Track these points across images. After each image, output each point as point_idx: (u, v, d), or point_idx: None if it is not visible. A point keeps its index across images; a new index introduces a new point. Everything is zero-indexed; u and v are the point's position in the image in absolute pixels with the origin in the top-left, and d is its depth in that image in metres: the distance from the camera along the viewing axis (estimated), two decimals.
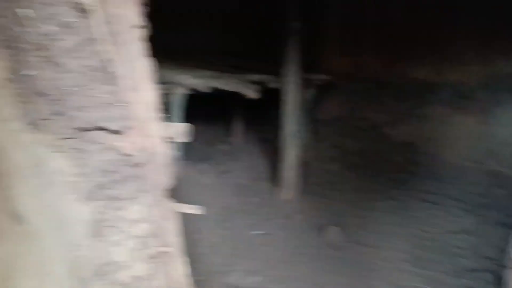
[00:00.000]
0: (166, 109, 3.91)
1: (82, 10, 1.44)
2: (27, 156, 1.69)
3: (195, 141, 6.41)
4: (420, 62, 6.51)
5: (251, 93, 4.49)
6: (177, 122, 2.01)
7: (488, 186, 5.40)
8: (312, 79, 5.96)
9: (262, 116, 7.14)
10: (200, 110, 6.46)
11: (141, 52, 1.61)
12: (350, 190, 5.35)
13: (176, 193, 1.89)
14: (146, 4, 1.67)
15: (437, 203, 4.93)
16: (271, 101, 5.87)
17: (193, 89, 4.25)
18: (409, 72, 6.71)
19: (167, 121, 1.80)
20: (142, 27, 1.63)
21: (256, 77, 4.86)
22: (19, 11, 1.48)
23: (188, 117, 4.68)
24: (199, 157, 5.60)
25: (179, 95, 4.21)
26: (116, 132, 1.58)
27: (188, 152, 5.78)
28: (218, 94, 5.48)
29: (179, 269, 1.83)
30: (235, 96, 5.97)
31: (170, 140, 1.77)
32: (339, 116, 7.35)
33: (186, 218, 3.83)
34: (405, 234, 4.26)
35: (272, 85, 5.06)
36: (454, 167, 6.04)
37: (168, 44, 6.06)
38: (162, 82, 4.19)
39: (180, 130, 1.73)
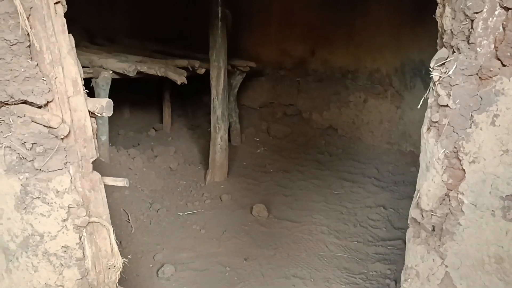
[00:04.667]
0: (92, 94, 3.88)
1: None
2: None
3: (125, 127, 6.35)
4: (340, 50, 6.87)
5: (179, 78, 4.54)
6: None
7: (402, 165, 5.85)
8: (239, 65, 6.10)
9: (192, 103, 7.21)
10: (130, 97, 6.42)
11: (62, 28, 1.66)
12: (276, 171, 5.58)
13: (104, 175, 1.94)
14: None
15: (356, 182, 5.28)
16: (201, 87, 5.96)
17: (119, 74, 4.24)
18: (330, 60, 7.05)
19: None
20: (63, 3, 1.68)
21: (184, 62, 4.92)
22: None
23: (119, 104, 4.66)
24: (129, 143, 5.59)
25: (105, 78, 4.18)
26: (38, 106, 1.62)
27: (117, 138, 5.75)
28: (147, 81, 5.48)
29: (106, 238, 1.91)
30: (165, 82, 6.00)
31: (93, 115, 1.83)
32: (266, 102, 7.58)
33: (114, 201, 3.85)
34: (327, 210, 4.53)
35: (200, 71, 5.14)
36: (372, 149, 6.47)
37: (93, 28, 5.95)
38: (88, 66, 4.15)
39: (101, 105, 1.79)
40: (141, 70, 4.33)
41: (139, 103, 6.66)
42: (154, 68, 4.49)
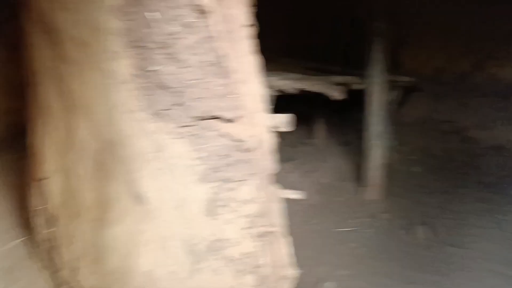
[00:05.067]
0: None
1: (202, 12, 1.64)
2: (150, 143, 1.93)
3: (279, 142, 6.57)
4: (509, 62, 6.23)
5: (336, 94, 4.57)
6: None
7: None
8: (396, 80, 5.91)
9: (345, 118, 7.17)
10: (283, 112, 6.64)
11: (250, 48, 1.79)
12: (436, 192, 5.22)
13: None
14: (253, 5, 1.85)
15: None
16: (353, 103, 5.91)
17: (280, 91, 4.41)
18: (496, 73, 6.43)
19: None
20: (251, 26, 1.81)
21: (340, 78, 4.93)
22: (147, 14, 1.71)
23: None
24: (284, 157, 5.75)
25: (270, 97, 4.38)
26: (229, 120, 1.76)
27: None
28: (301, 96, 5.62)
29: (283, 248, 1.97)
30: (319, 98, 6.08)
31: (275, 129, 1.92)
32: (423, 118, 7.19)
33: None
34: (496, 236, 4.11)
35: (356, 86, 5.11)
36: None
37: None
38: None
39: (283, 120, 1.88)
40: (301, 88, 4.46)
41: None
42: (312, 84, 4.59)
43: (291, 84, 4.32)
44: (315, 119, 6.48)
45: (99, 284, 2.38)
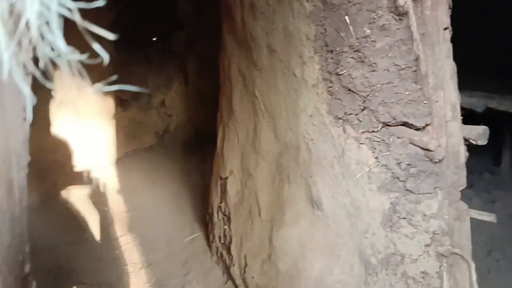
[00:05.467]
0: None
1: (399, 13, 1.59)
2: (333, 147, 1.93)
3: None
4: None
5: None
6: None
7: None
8: None
9: None
10: None
11: (447, 53, 1.67)
12: None
13: None
14: (451, 7, 1.74)
15: None
16: None
17: (464, 109, 4.05)
18: None
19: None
20: (450, 29, 1.69)
21: None
22: (346, 18, 1.72)
23: None
24: None
25: None
26: (417, 128, 1.66)
27: None
28: (485, 116, 5.08)
29: (466, 273, 1.78)
30: (507, 119, 5.44)
31: (466, 142, 1.76)
32: None
33: None
34: None
35: None
36: None
37: None
38: None
39: (476, 132, 1.71)
40: (490, 106, 4.04)
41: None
42: (500, 103, 4.13)
43: (478, 101, 3.95)
44: (501, 143, 5.80)
45: (267, 284, 2.45)
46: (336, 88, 1.83)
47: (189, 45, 5.65)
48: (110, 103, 4.76)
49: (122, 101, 4.96)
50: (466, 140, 1.74)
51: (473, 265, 1.77)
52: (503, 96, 4.24)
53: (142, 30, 4.97)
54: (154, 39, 5.28)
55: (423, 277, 1.74)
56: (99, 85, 0.71)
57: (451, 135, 1.70)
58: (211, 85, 3.88)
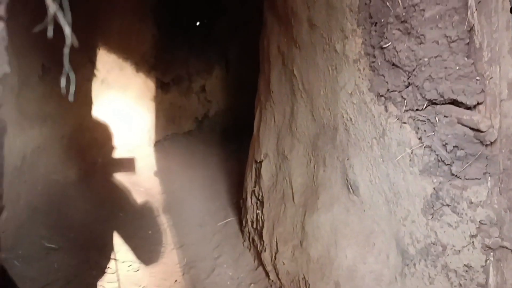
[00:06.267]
0: None
1: None
2: (373, 127, 1.80)
3: None
4: None
5: None
6: None
7: None
8: None
9: None
10: None
11: (506, 24, 1.51)
12: None
13: None
14: None
15: None
16: None
17: None
18: None
19: None
20: None
21: None
22: None
23: None
24: None
25: None
26: (468, 107, 1.51)
27: None
28: None
29: None
30: None
31: None
32: None
33: None
34: None
35: None
36: None
37: None
38: None
39: None
40: None
41: None
42: None
43: None
44: None
45: (297, 270, 2.35)
46: (379, 63, 1.70)
47: (231, 31, 5.60)
48: (151, 85, 4.77)
49: (163, 84, 4.97)
50: None
51: None
52: None
53: (185, 15, 4.95)
54: (197, 24, 5.25)
55: (467, 271, 1.60)
56: None
57: (506, 116, 1.53)
58: (252, 73, 3.81)
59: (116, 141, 4.34)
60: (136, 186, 4.13)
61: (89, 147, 3.92)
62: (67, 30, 0.63)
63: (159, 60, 4.76)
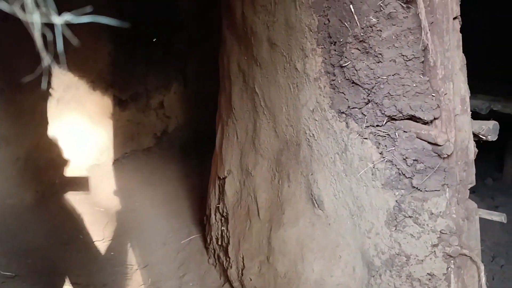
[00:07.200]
0: None
1: (406, 1, 1.51)
2: (334, 143, 1.85)
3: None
4: None
5: None
6: None
7: None
8: None
9: None
10: None
11: (457, 43, 1.60)
12: None
13: None
14: None
15: None
16: None
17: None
18: None
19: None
20: (459, 18, 1.62)
21: None
22: (350, 7, 1.64)
23: None
24: None
25: None
26: (425, 122, 1.58)
27: None
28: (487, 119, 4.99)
29: (475, 277, 1.70)
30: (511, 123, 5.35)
31: (476, 137, 1.68)
32: None
33: None
34: None
35: None
36: None
37: None
38: None
39: (488, 127, 1.63)
40: (494, 109, 3.96)
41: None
42: (505, 106, 4.05)
43: (481, 104, 3.87)
44: (505, 148, 5.72)
45: (265, 286, 2.36)
46: (339, 81, 1.75)
47: (190, 46, 5.60)
48: (108, 102, 4.68)
49: (121, 101, 4.89)
50: (475, 135, 1.66)
51: (482, 267, 1.68)
52: (508, 98, 4.16)
53: (143, 31, 4.91)
54: (155, 39, 5.21)
55: (430, 279, 1.66)
56: (69, 16, 0.63)
57: (460, 130, 1.62)
58: (211, 87, 3.81)
59: (74, 160, 4.22)
60: (95, 206, 4.03)
61: (46, 168, 3.79)
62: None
63: (117, 77, 4.68)
